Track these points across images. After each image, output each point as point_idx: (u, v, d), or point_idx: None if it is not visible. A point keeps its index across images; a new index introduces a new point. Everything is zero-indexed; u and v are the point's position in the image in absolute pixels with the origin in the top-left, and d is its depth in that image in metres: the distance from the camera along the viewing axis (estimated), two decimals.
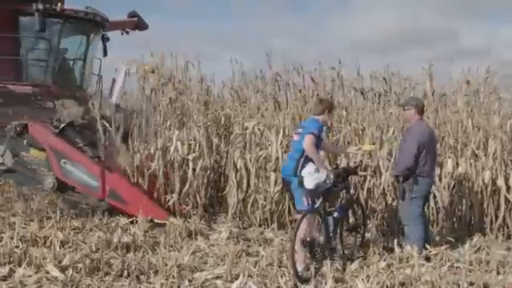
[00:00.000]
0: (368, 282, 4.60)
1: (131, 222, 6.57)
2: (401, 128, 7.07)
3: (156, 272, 4.87)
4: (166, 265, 4.91)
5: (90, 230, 6.29)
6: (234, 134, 7.49)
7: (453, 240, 6.24)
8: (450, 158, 6.91)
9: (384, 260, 5.26)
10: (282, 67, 8.02)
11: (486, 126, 7.10)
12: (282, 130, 7.15)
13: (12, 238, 5.55)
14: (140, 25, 10.45)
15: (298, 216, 5.07)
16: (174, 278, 4.65)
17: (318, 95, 7.52)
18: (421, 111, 5.58)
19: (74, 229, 6.29)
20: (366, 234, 6.12)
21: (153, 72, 7.85)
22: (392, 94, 7.80)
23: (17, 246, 5.38)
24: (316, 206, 5.04)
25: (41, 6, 8.87)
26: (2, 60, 9.26)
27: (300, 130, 5.21)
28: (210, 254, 5.61)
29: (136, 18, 10.26)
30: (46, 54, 9.71)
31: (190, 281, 4.70)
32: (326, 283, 4.57)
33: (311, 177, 4.84)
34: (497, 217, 6.65)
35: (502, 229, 6.59)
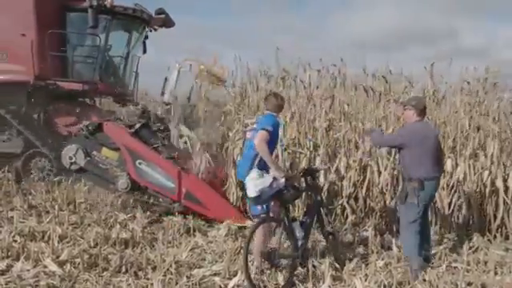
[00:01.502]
0: (366, 280, 4.60)
1: (130, 218, 6.56)
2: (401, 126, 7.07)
3: (154, 268, 4.86)
4: (164, 261, 4.90)
5: (89, 225, 6.26)
6: (234, 131, 7.49)
7: (451, 240, 6.26)
8: (449, 158, 6.91)
9: (382, 259, 5.27)
10: (288, 64, 8.08)
11: (485, 126, 7.12)
12: (282, 128, 7.15)
13: (10, 233, 5.54)
14: (167, 22, 10.45)
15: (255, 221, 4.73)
16: (171, 274, 4.64)
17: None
18: (421, 112, 5.20)
19: (73, 224, 6.27)
20: (365, 233, 6.13)
21: (207, 72, 7.98)
22: (392, 92, 7.81)
23: (15, 241, 5.37)
24: (270, 211, 4.72)
25: (95, 2, 8.90)
26: (51, 57, 9.26)
27: (254, 126, 4.91)
28: (208, 250, 5.60)
29: (163, 15, 10.24)
30: (94, 51, 9.81)
31: (188, 277, 4.68)
32: (323, 282, 4.58)
33: (253, 183, 4.43)
34: (495, 217, 6.66)
35: (500, 229, 6.59)
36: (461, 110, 7.47)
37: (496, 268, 5.23)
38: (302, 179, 5.08)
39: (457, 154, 6.99)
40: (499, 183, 6.63)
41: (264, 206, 4.65)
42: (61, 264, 4.83)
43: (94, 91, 9.77)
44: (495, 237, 6.32)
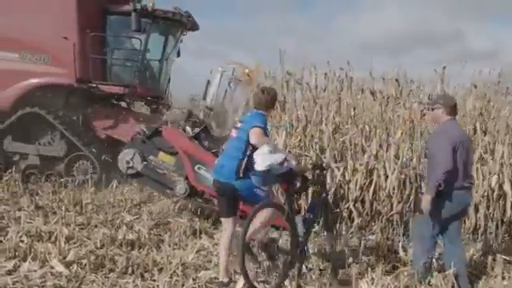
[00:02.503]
0: (373, 284, 4.59)
1: (136, 220, 6.59)
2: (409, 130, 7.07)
3: (160, 270, 4.87)
4: (171, 263, 4.91)
5: (95, 226, 6.28)
6: None
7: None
8: None
9: (389, 263, 5.25)
10: (292, 67, 8.07)
11: (493, 130, 7.08)
12: (286, 130, 7.15)
13: (17, 233, 5.56)
14: (194, 25, 10.52)
15: (265, 210, 4.41)
16: (178, 276, 4.66)
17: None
18: (451, 111, 4.70)
19: (79, 225, 6.29)
20: (371, 237, 6.10)
21: (250, 75, 7.98)
22: (403, 95, 7.79)
23: (22, 241, 5.39)
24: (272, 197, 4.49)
25: (138, 6, 8.96)
26: (93, 60, 9.30)
27: (239, 125, 4.53)
28: (214, 252, 5.59)
29: (191, 19, 10.31)
30: (135, 54, 9.84)
31: (194, 279, 4.69)
32: (330, 285, 4.57)
33: (262, 157, 4.14)
34: (503, 221, 6.63)
35: (507, 233, 6.56)
36: (469, 114, 7.43)
37: (503, 272, 5.21)
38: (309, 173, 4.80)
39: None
40: (507, 187, 6.59)
41: (266, 192, 4.42)
42: (67, 265, 4.85)
43: (133, 94, 9.77)
44: (502, 241, 6.28)
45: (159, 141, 7.02)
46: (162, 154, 6.98)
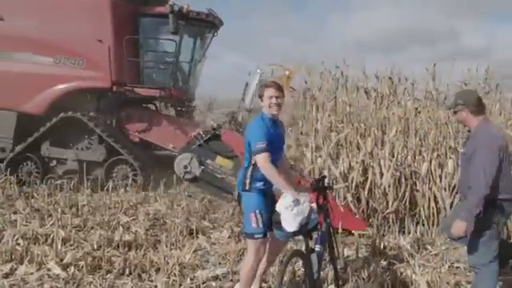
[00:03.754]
0: (369, 281, 4.61)
1: (133, 220, 6.59)
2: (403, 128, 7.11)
3: (157, 270, 4.88)
4: (168, 263, 4.92)
5: (92, 228, 6.28)
6: None
7: (448, 241, 6.26)
8: (450, 158, 6.93)
9: (385, 260, 5.28)
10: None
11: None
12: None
13: (13, 236, 5.57)
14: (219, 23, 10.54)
15: (249, 241, 3.95)
16: (175, 276, 4.67)
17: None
18: (477, 109, 3.89)
19: (76, 227, 6.29)
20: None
21: (290, 77, 7.97)
22: (398, 93, 7.84)
23: (18, 244, 5.40)
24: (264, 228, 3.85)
25: (176, 8, 8.90)
26: (127, 63, 9.27)
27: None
28: (211, 252, 5.61)
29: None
30: (169, 57, 9.80)
31: (191, 279, 4.71)
32: (328, 283, 4.58)
33: (291, 213, 3.55)
34: None
35: (502, 229, 6.59)
36: None
37: None
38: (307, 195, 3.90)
39: (458, 154, 6.99)
40: None
41: (262, 225, 3.85)
42: (64, 267, 4.87)
43: (168, 97, 9.71)
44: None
45: (216, 144, 6.96)
46: (219, 158, 6.95)
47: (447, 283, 4.73)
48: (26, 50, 9.04)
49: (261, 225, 3.84)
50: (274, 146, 3.91)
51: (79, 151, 9.11)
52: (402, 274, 4.91)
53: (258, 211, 3.85)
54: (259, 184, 3.88)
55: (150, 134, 9.32)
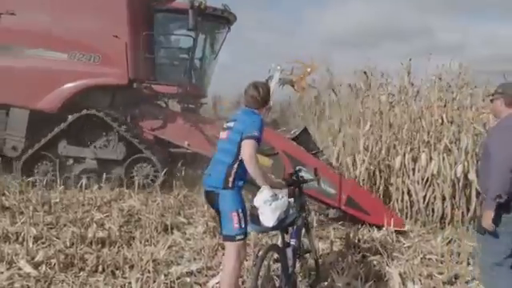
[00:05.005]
0: (343, 274, 4.66)
1: (106, 217, 6.51)
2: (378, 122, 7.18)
3: (131, 267, 4.82)
4: (142, 259, 4.87)
5: (64, 225, 6.18)
6: None
7: (426, 233, 6.38)
8: (423, 152, 7.05)
9: (359, 253, 5.34)
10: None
11: (458, 120, 7.26)
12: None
13: None
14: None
15: (230, 244, 3.77)
16: (149, 272, 4.61)
17: None
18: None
19: (48, 224, 6.17)
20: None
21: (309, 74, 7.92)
22: (372, 88, 7.94)
23: None
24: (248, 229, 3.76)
25: (196, 3, 8.68)
26: (145, 59, 9.09)
27: (231, 124, 3.86)
28: (186, 248, 5.57)
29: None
30: (186, 53, 9.61)
31: (165, 275, 4.66)
32: (303, 277, 4.61)
33: (269, 208, 3.50)
34: (468, 209, 6.81)
35: (473, 221, 6.73)
36: (435, 105, 7.59)
37: (468, 259, 5.36)
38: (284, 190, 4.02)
39: (431, 148, 7.11)
40: (472, 176, 6.76)
41: (243, 225, 3.72)
42: (36, 265, 4.76)
43: (185, 93, 9.55)
44: (468, 229, 6.45)
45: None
46: (258, 157, 6.87)
47: (419, 274, 4.82)
48: (38, 46, 8.76)
49: (243, 225, 3.71)
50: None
51: (98, 149, 8.91)
52: (375, 266, 4.98)
53: (240, 210, 3.72)
54: (241, 182, 3.76)
55: (165, 131, 9.14)
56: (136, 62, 8.82)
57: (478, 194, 6.76)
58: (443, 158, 6.90)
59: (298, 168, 5.59)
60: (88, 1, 8.86)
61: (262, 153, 6.59)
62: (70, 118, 8.70)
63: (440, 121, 7.28)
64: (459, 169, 6.81)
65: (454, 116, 7.31)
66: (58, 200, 7.27)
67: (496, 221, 3.55)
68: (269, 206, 3.50)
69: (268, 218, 3.50)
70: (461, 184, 6.85)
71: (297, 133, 7.14)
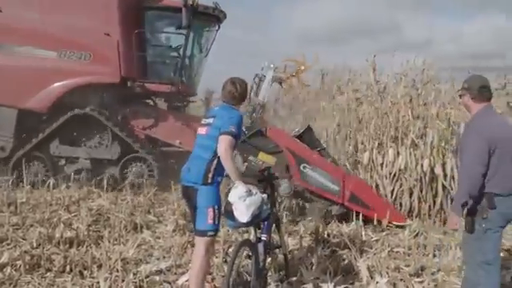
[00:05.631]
0: (312, 269, 4.71)
1: (75, 217, 6.41)
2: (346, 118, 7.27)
3: (100, 266, 4.77)
4: (110, 258, 4.82)
5: (31, 225, 6.06)
6: None
7: (394, 226, 6.49)
8: (391, 147, 7.17)
9: (328, 247, 5.40)
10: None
11: (424, 116, 7.42)
12: None
13: None
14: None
15: (200, 239, 3.78)
16: (118, 271, 4.58)
17: None
18: (480, 95, 3.65)
19: (13, 225, 6.05)
20: None
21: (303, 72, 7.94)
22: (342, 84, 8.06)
23: None
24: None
25: (190, 1, 8.57)
26: (137, 57, 8.93)
27: (210, 121, 3.87)
28: (155, 246, 5.55)
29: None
30: (178, 51, 9.47)
31: (134, 274, 4.63)
32: (273, 272, 4.63)
33: (244, 204, 3.54)
34: (434, 203, 6.96)
35: (439, 214, 6.89)
36: (401, 101, 7.74)
37: (435, 251, 5.48)
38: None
39: (398, 143, 7.24)
40: (438, 170, 6.91)
41: (216, 222, 3.75)
42: (0, 267, 4.66)
43: (177, 92, 9.41)
44: (434, 221, 6.60)
45: (259, 141, 6.89)
46: (262, 154, 6.84)
47: (387, 267, 4.90)
48: (27, 44, 8.56)
49: (216, 222, 3.73)
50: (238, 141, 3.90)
51: (91, 149, 8.77)
52: (344, 260, 5.04)
53: (216, 206, 3.74)
54: (220, 177, 3.77)
55: (157, 130, 9.05)
56: (128, 60, 8.73)
57: (443, 187, 6.95)
58: (410, 153, 7.04)
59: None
60: None
61: (265, 150, 6.74)
62: (63, 117, 8.55)
63: (407, 116, 7.42)
64: (425, 163, 6.95)
65: (420, 112, 7.46)
66: (24, 200, 7.12)
67: (477, 219, 3.55)
68: (243, 201, 3.54)
69: (242, 213, 3.54)
70: (427, 178, 6.99)
71: (301, 131, 7.22)
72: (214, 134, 3.73)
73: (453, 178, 6.91)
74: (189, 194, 3.83)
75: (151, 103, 10.10)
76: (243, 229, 4.65)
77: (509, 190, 3.55)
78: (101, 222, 6.39)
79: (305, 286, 4.44)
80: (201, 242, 3.78)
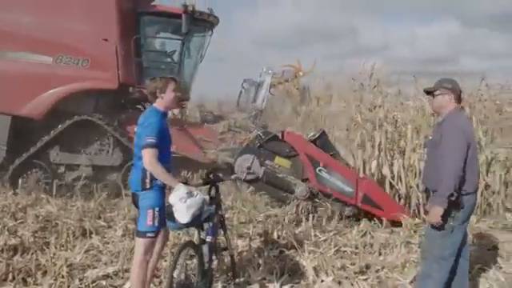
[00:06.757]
0: (259, 269, 4.77)
1: (20, 224, 6.24)
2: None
3: (44, 273, 4.68)
4: (55, 264, 4.73)
5: None
6: None
7: (343, 226, 6.63)
8: (341, 149, 7.36)
9: (277, 248, 5.47)
10: None
11: (372, 118, 7.65)
12: None
13: None
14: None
15: (139, 240, 3.85)
16: (63, 277, 4.51)
17: None
18: (459, 98, 3.99)
19: None
20: None
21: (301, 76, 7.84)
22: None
23: None
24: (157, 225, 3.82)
25: (191, 8, 8.52)
26: (135, 62, 8.77)
27: (136, 129, 3.97)
28: (104, 251, 5.47)
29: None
30: (175, 57, 9.37)
31: (80, 279, 4.58)
32: (220, 273, 4.66)
33: (184, 205, 3.56)
34: None
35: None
36: (352, 104, 7.96)
37: (380, 249, 5.65)
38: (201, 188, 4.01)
39: (347, 144, 7.44)
40: (385, 171, 7.13)
41: (157, 223, 3.82)
42: None
43: None
44: (381, 221, 6.78)
45: (275, 145, 7.05)
46: (278, 158, 7.03)
47: (333, 266, 5.01)
48: (22, 49, 8.25)
49: (156, 223, 3.81)
50: (166, 143, 3.95)
51: (93, 156, 8.53)
52: (291, 260, 5.12)
53: (157, 209, 3.81)
54: (160, 181, 3.80)
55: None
56: (126, 65, 8.58)
57: (391, 187, 7.16)
58: (358, 154, 7.24)
59: (215, 166, 5.70)
60: (75, 3, 8.52)
61: (281, 155, 6.99)
62: (65, 123, 8.32)
63: (355, 119, 7.64)
64: (373, 164, 7.17)
65: (368, 114, 7.69)
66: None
67: (447, 216, 3.72)
68: (183, 203, 3.56)
69: (182, 214, 3.56)
70: (375, 178, 7.19)
71: (316, 135, 7.39)
72: (138, 143, 3.82)
73: (400, 178, 7.15)
74: (134, 200, 3.94)
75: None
76: (192, 231, 4.66)
77: (476, 185, 3.87)
78: (48, 229, 6.23)
79: (251, 286, 4.50)
80: (140, 244, 3.85)
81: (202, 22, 9.57)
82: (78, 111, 8.48)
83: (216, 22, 9.87)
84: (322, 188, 6.86)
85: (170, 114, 4.99)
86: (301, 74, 8.58)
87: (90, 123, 8.47)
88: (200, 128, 9.10)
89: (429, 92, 4.07)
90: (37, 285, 4.50)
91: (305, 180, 6.99)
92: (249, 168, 6.89)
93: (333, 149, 7.43)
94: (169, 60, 9.71)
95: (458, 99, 3.95)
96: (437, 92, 3.96)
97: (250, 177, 6.95)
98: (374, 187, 7.08)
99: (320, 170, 6.81)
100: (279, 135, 7.09)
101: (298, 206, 6.84)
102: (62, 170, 8.52)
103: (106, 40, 8.41)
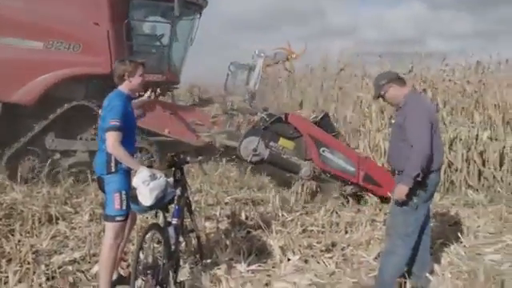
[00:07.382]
0: (226, 250, 4.83)
1: None
2: None
3: (9, 260, 4.62)
4: (20, 251, 4.67)
5: None
6: None
7: (309, 207, 6.74)
8: None
9: (244, 229, 5.54)
10: None
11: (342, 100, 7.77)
12: None
13: None
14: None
15: (109, 224, 3.88)
16: (28, 263, 4.47)
17: None
18: (401, 81, 4.08)
19: None
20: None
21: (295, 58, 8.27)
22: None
23: None
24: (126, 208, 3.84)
25: None
26: (127, 47, 8.53)
27: (100, 112, 4.02)
28: (70, 237, 5.43)
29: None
30: (165, 40, 9.15)
31: (46, 265, 4.54)
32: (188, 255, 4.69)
33: (147, 188, 3.57)
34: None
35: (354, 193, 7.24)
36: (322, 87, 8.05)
37: (346, 228, 5.79)
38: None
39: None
40: None
41: (125, 207, 3.83)
42: None
43: (165, 81, 9.06)
44: (348, 200, 6.92)
45: (279, 127, 7.10)
46: (282, 140, 7.09)
47: (299, 245, 5.11)
48: (11, 35, 7.95)
49: (124, 207, 3.81)
50: (131, 126, 3.98)
51: (89, 142, 8.32)
52: (258, 240, 5.20)
53: (123, 192, 3.81)
54: (125, 165, 3.80)
55: (145, 120, 8.68)
56: (118, 50, 8.34)
57: None
58: None
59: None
60: None
61: (285, 136, 7.07)
62: (61, 109, 8.12)
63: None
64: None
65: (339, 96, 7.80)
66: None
67: (412, 194, 3.82)
68: (147, 185, 3.57)
69: (146, 197, 3.57)
70: None
71: (319, 117, 7.49)
72: (103, 126, 3.82)
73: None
74: (100, 184, 3.94)
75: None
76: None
77: (440, 164, 3.96)
78: (13, 216, 6.13)
79: (219, 266, 4.55)
80: (110, 228, 3.86)
81: (193, 5, 9.49)
82: (69, 97, 8.32)
83: (205, 4, 9.79)
84: (326, 168, 7.02)
85: (145, 96, 5.00)
86: (293, 56, 8.62)
87: (86, 108, 8.30)
88: (192, 111, 9.13)
89: (379, 96, 4.14)
90: (1, 272, 4.43)
91: (307, 161, 7.11)
92: (254, 150, 6.96)
93: (335, 130, 7.62)
94: (160, 43, 9.57)
95: (402, 82, 4.04)
96: (382, 93, 4.05)
97: (255, 158, 7.03)
98: (375, 166, 7.34)
99: (323, 151, 6.95)
100: (283, 117, 7.19)
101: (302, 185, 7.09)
102: (57, 156, 8.40)
103: (97, 24, 8.24)
